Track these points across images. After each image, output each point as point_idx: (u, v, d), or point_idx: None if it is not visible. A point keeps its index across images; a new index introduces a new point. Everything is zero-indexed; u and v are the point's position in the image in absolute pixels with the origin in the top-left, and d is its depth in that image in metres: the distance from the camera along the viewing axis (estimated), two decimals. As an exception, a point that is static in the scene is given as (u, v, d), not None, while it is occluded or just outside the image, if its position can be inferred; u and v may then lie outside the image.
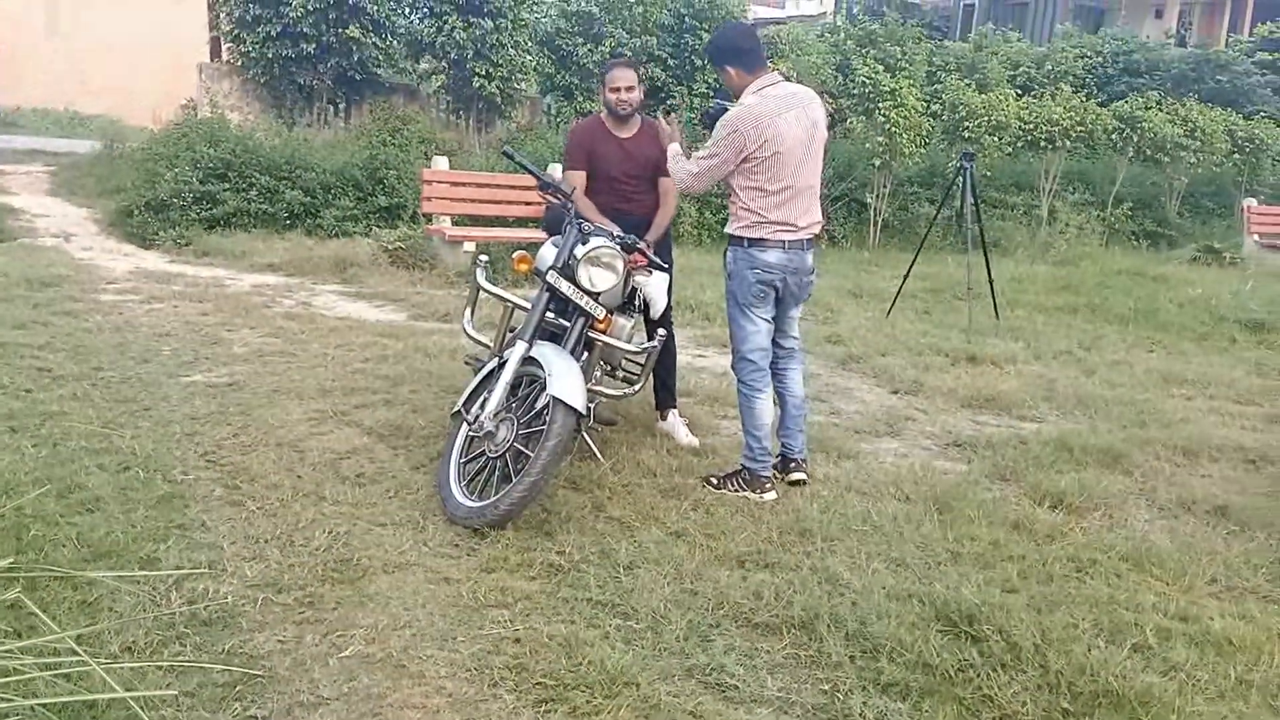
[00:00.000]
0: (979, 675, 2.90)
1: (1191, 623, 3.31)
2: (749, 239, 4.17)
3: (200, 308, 7.17)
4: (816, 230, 4.29)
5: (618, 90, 4.66)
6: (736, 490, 4.23)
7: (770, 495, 4.23)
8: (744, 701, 2.76)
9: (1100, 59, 20.51)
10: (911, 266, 8.86)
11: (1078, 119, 14.00)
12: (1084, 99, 15.29)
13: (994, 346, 7.43)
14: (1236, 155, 15.42)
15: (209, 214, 10.08)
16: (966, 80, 15.79)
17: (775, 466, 4.39)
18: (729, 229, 4.26)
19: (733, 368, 4.38)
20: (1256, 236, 14.20)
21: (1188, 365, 7.36)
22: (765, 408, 4.29)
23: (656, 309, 4.48)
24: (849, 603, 3.30)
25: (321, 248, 9.54)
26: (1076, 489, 4.46)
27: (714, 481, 4.27)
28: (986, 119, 13.15)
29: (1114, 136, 14.44)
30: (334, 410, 4.96)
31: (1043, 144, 13.77)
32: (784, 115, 4.07)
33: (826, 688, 2.86)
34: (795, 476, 4.38)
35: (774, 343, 4.37)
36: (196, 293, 7.68)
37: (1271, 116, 17.22)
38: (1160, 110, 14.99)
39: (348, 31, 12.93)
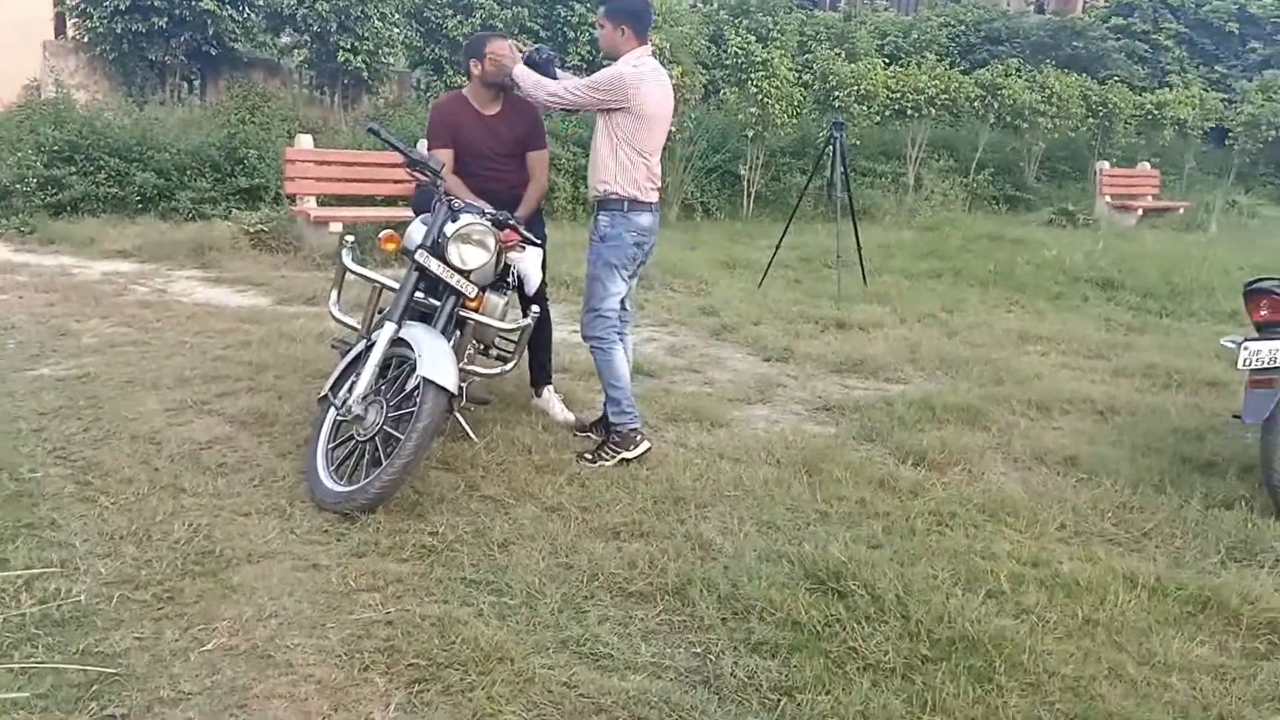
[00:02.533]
0: (845, 629, 3.00)
1: (1042, 567, 3.48)
2: (629, 201, 4.31)
3: (47, 298, 6.80)
4: None
5: (502, 57, 4.54)
6: (612, 457, 4.27)
7: (645, 445, 4.33)
8: (618, 669, 2.80)
9: (964, 28, 21.23)
10: (783, 236, 9.02)
11: (942, 87, 14.47)
12: (948, 67, 15.81)
13: (862, 312, 7.65)
14: (1091, 120, 16.18)
15: (54, 199, 9.56)
16: (836, 50, 16.11)
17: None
18: (604, 192, 4.34)
19: (586, 327, 4.44)
20: (1108, 198, 14.96)
21: (1042, 323, 7.72)
22: (622, 360, 4.43)
23: (530, 285, 4.45)
24: (721, 567, 3.37)
25: (177, 232, 9.13)
26: (938, 446, 4.64)
27: (589, 457, 4.29)
28: (856, 88, 13.46)
29: (976, 104, 14.99)
30: (193, 400, 4.78)
31: (909, 112, 14.18)
32: (659, 85, 4.35)
33: (699, 650, 2.92)
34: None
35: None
36: (42, 282, 7.27)
37: (1124, 81, 18.10)
38: (1019, 77, 15.60)
39: (202, 4, 12.36)
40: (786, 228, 9.11)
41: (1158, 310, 8.52)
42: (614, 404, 4.38)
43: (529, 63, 4.49)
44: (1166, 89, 18.04)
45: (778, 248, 8.91)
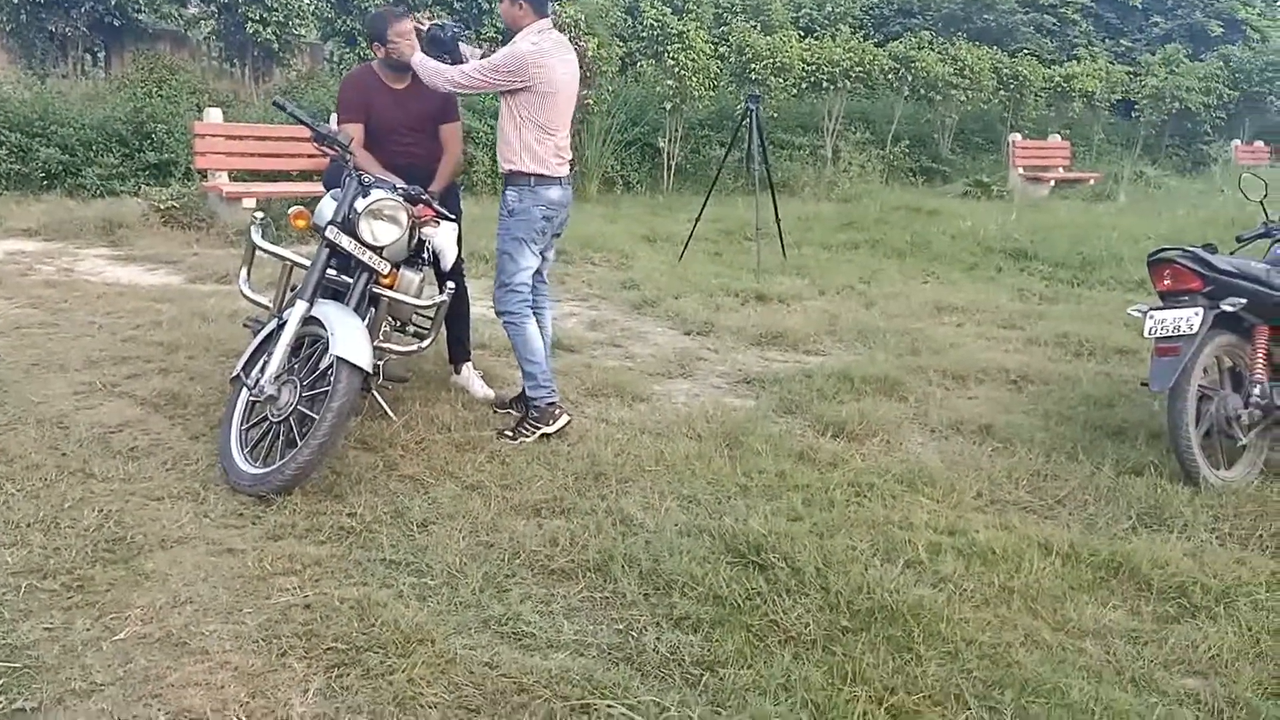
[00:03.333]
0: (766, 602, 3.02)
1: (959, 536, 3.54)
2: (535, 176, 4.28)
3: (-57, 278, 6.50)
4: None
5: (408, 42, 4.44)
6: (532, 433, 4.25)
7: (564, 419, 4.32)
8: (540, 648, 2.80)
9: (876, 0, 21.41)
10: (703, 209, 9.05)
11: (857, 60, 14.59)
12: (862, 40, 15.96)
13: (781, 285, 7.72)
14: (1002, 92, 16.50)
15: (-48, 176, 9.13)
16: (752, 22, 16.13)
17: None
18: (512, 167, 4.31)
19: (499, 302, 4.41)
20: (1021, 169, 15.32)
21: (958, 294, 7.88)
22: (535, 333, 4.40)
23: (446, 261, 4.38)
24: (642, 542, 3.37)
25: (85, 209, 8.81)
26: (856, 417, 4.70)
27: (509, 435, 4.27)
28: (772, 61, 13.50)
29: (890, 76, 15.16)
30: (103, 382, 4.62)
31: (825, 85, 14.28)
32: (562, 59, 4.30)
33: (621, 627, 2.92)
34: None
35: (534, 276, 4.48)
36: (-61, 263, 6.95)
37: (1034, 54, 18.51)
38: (932, 50, 15.83)
39: (102, -27, 11.86)
40: (706, 201, 9.14)
41: (1069, 279, 8.76)
42: (530, 379, 4.36)
43: (432, 39, 4.42)
44: (1074, 62, 18.50)
45: (697, 221, 8.93)
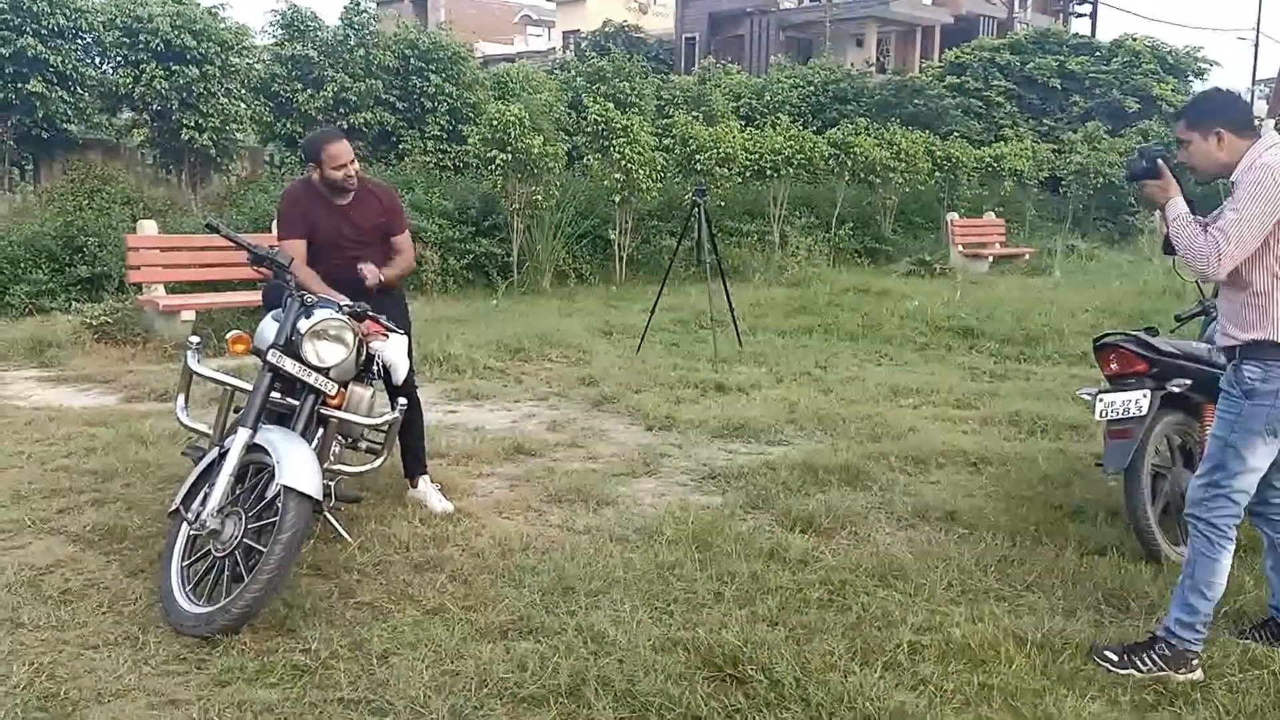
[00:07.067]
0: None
1: (935, 633, 3.48)
2: None
3: None
4: None
5: (342, 166, 4.34)
6: (1149, 668, 3.29)
7: (1199, 674, 3.30)
8: (513, 789, 2.63)
9: (812, 88, 22.11)
10: (658, 300, 9.05)
11: (797, 147, 14.95)
12: (801, 127, 16.39)
13: (739, 374, 7.70)
14: (938, 173, 17.01)
15: None
16: (694, 113, 16.49)
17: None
18: (1252, 337, 3.28)
19: (1197, 505, 3.40)
20: (960, 247, 15.66)
21: (912, 375, 7.91)
22: (1228, 566, 3.38)
23: (397, 376, 4.26)
24: (616, 661, 3.23)
25: (13, 329, 8.53)
26: (824, 511, 4.63)
27: (1111, 655, 3.36)
28: (716, 151, 13.75)
29: (830, 162, 15.55)
30: (31, 518, 4.37)
31: (768, 172, 14.57)
32: None
33: (598, 759, 2.77)
34: None
35: (1270, 484, 3.48)
36: None
37: (964, 136, 19.15)
38: (869, 135, 16.29)
39: (28, 86, 11.68)
40: (660, 291, 9.14)
41: (1015, 355, 8.88)
42: (1189, 612, 3.34)
43: (1132, 174, 3.43)
44: (1002, 142, 19.15)
45: (653, 311, 8.92)
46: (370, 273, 4.23)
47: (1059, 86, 22.49)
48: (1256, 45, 35.96)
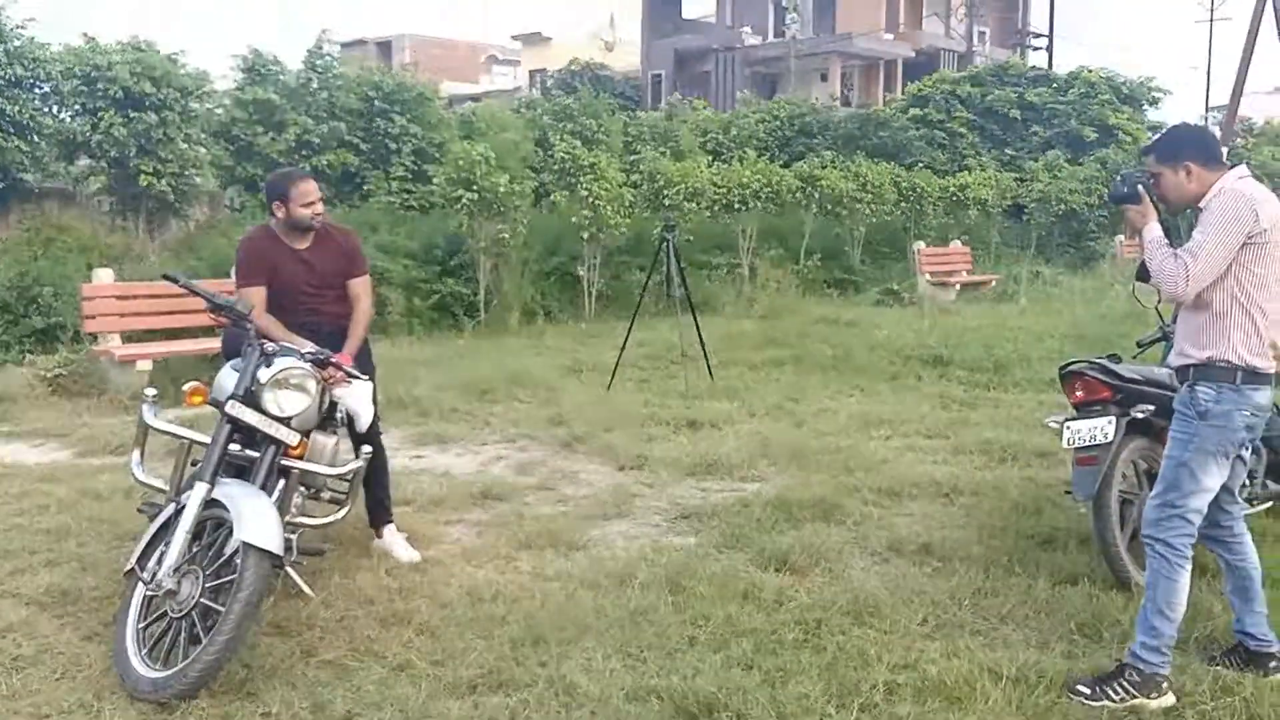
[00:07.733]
0: (722, 771, 2.84)
1: (911, 671, 3.44)
2: (1245, 369, 3.32)
3: None
4: None
5: (311, 204, 4.33)
6: (1121, 697, 3.30)
7: (1170, 699, 3.33)
8: None
9: (779, 122, 22.32)
10: (628, 336, 9.00)
11: (765, 181, 15.04)
12: (768, 161, 16.50)
13: (711, 409, 7.65)
14: (903, 203, 17.17)
15: None
16: (661, 149, 16.56)
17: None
18: (1208, 355, 3.34)
19: (1153, 525, 3.43)
20: (927, 276, 15.76)
21: (883, 406, 7.90)
22: (1186, 586, 3.40)
23: (361, 424, 4.19)
24: (588, 713, 3.17)
25: (-38, 383, 8.32)
26: (797, 548, 4.58)
27: (1084, 689, 3.34)
28: (684, 186, 13.80)
29: (798, 194, 15.66)
30: (-19, 582, 4.24)
31: (736, 206, 14.64)
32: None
33: (570, 819, 2.68)
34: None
35: (1220, 507, 3.52)
36: None
37: (928, 166, 19.37)
38: (835, 168, 16.43)
39: (-19, 136, 11.64)
40: (630, 327, 9.10)
41: (985, 383, 8.88)
42: (1151, 634, 3.36)
43: (1114, 196, 3.53)
44: (966, 172, 19.38)
45: (623, 348, 8.87)
46: (343, 368, 4.10)
47: (1019, 117, 22.82)
48: (1209, 74, 36.76)
